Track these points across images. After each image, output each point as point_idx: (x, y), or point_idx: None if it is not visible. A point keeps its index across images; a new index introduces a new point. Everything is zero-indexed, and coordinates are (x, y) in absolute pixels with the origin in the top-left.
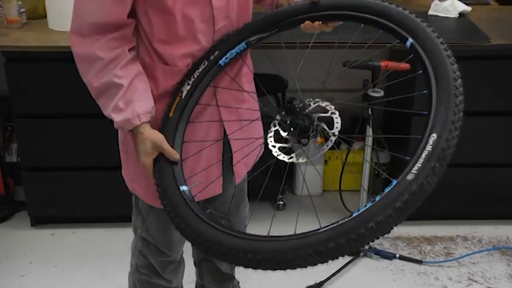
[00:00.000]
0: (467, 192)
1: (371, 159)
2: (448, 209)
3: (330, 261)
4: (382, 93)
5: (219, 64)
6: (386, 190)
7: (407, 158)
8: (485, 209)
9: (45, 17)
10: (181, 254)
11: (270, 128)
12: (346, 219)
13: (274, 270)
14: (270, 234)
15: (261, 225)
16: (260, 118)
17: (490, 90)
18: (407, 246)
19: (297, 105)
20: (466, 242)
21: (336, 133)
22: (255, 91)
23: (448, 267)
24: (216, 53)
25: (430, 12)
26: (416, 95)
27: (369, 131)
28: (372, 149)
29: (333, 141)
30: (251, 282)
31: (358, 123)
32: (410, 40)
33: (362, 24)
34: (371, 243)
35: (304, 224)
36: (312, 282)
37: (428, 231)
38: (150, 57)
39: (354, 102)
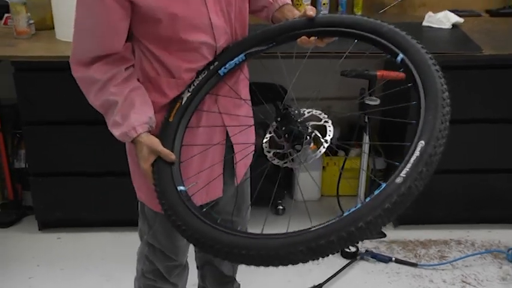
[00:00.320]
0: (460, 197)
1: (367, 165)
2: (442, 214)
3: (320, 258)
4: (378, 102)
5: (218, 74)
6: (376, 192)
7: (397, 163)
8: (477, 214)
9: (53, 28)
10: (187, 258)
11: (265, 134)
12: (337, 219)
13: (267, 266)
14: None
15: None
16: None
17: (481, 98)
18: (402, 249)
19: (292, 113)
20: (460, 246)
21: (329, 140)
22: (249, 97)
23: (442, 270)
24: (216, 63)
25: (424, 23)
26: (411, 104)
27: (366, 138)
28: (368, 155)
29: (326, 147)
30: (252, 285)
31: (355, 130)
32: (400, 55)
33: (355, 40)
34: (368, 248)
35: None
36: (310, 285)
37: (423, 235)
38: (156, 71)
39: (351, 110)
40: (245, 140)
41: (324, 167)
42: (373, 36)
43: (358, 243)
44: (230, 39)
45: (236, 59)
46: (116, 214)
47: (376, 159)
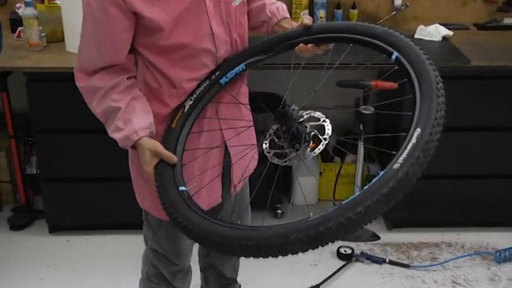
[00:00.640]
0: (450, 202)
1: (362, 171)
2: (433, 218)
3: (320, 246)
4: (373, 110)
5: (220, 83)
6: (374, 179)
7: (394, 152)
8: (467, 218)
9: (63, 40)
10: (189, 263)
11: (265, 135)
12: (336, 207)
13: (266, 257)
14: None
15: None
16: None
17: (471, 107)
18: (396, 251)
19: (291, 112)
20: (450, 248)
21: (327, 138)
22: (249, 104)
23: (434, 271)
24: (217, 73)
25: (416, 36)
26: (404, 112)
27: (360, 145)
28: (363, 161)
29: (324, 145)
30: (251, 285)
31: (350, 138)
32: (395, 54)
33: (351, 44)
34: (363, 250)
35: None
36: (308, 285)
37: (415, 237)
38: (158, 83)
39: (347, 118)
40: (244, 148)
41: (321, 173)
42: (368, 39)
43: (357, 230)
44: (230, 50)
45: (236, 68)
46: (122, 218)
47: (370, 166)
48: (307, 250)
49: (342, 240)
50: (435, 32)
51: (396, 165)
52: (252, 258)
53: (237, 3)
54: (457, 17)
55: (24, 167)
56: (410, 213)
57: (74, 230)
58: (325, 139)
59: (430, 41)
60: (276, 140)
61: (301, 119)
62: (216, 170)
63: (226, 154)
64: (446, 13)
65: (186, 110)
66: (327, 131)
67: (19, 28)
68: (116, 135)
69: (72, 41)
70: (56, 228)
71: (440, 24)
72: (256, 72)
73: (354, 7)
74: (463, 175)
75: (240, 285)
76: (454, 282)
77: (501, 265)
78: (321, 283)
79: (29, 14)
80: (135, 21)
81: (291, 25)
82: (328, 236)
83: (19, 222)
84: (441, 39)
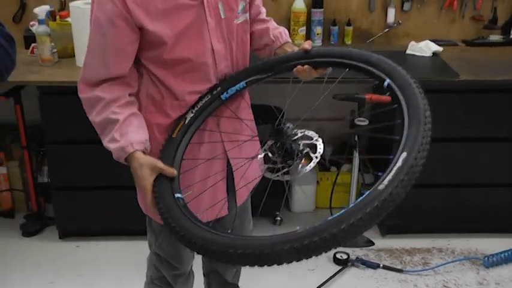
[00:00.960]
0: (441, 209)
1: (357, 180)
2: (425, 224)
3: (304, 259)
4: (367, 122)
5: (220, 98)
6: (360, 199)
7: (379, 173)
8: (457, 224)
9: (74, 56)
10: (191, 267)
11: (260, 150)
12: (322, 222)
13: (253, 265)
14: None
15: None
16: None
17: (459, 119)
18: (389, 257)
19: (285, 130)
20: (441, 253)
21: (318, 156)
22: (252, 118)
23: (426, 275)
24: (219, 89)
25: (408, 51)
26: (397, 123)
27: (356, 155)
28: (358, 170)
29: (315, 162)
30: None
31: (346, 148)
32: (387, 81)
33: (347, 69)
34: (358, 255)
35: None
36: None
37: (408, 243)
38: (161, 95)
39: (341, 129)
40: (247, 161)
41: (318, 182)
42: (363, 65)
43: (340, 245)
44: (231, 66)
45: (237, 85)
46: (129, 224)
47: (365, 175)
48: (292, 261)
49: (326, 252)
50: (426, 48)
51: (381, 186)
52: (238, 265)
53: (240, 22)
54: (446, 34)
55: (36, 176)
56: (403, 221)
57: (83, 236)
58: (316, 157)
59: (421, 56)
60: (270, 155)
61: (295, 137)
62: (221, 188)
63: (229, 166)
64: (436, 30)
65: (187, 121)
66: (318, 149)
67: (32, 44)
68: (111, 146)
69: (82, 56)
70: (65, 234)
71: (430, 40)
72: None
73: (349, 24)
74: (452, 184)
75: None
76: (445, 286)
77: (489, 270)
78: (319, 287)
79: (41, 31)
80: (140, 34)
81: (293, 49)
82: (312, 249)
83: (31, 229)
84: (431, 54)
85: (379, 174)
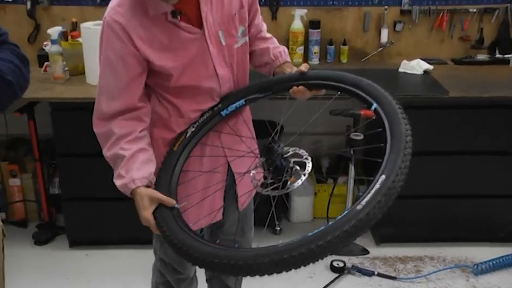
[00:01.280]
0: (433, 219)
1: (353, 191)
2: (418, 234)
3: (284, 271)
4: (362, 137)
5: (221, 114)
6: (339, 217)
7: (360, 193)
8: (448, 234)
9: (84, 73)
10: (195, 273)
11: (252, 166)
12: (301, 237)
13: (237, 275)
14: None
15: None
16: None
17: (449, 134)
18: (384, 264)
19: (276, 148)
20: (433, 261)
21: (306, 174)
22: (250, 133)
23: (418, 282)
24: (219, 105)
25: (400, 69)
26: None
27: (351, 168)
28: (354, 182)
29: (303, 180)
30: None
31: (342, 161)
32: (374, 105)
33: (339, 92)
34: (354, 263)
35: None
36: None
37: (401, 252)
38: (168, 113)
39: (338, 144)
40: (246, 168)
41: (315, 193)
42: (354, 89)
43: (318, 260)
44: (232, 86)
45: (237, 103)
46: (135, 233)
47: (360, 187)
48: (273, 273)
49: (304, 266)
50: (417, 66)
51: (359, 207)
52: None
53: (239, 45)
54: (436, 53)
55: (48, 187)
56: (396, 230)
57: (92, 245)
58: (304, 175)
59: (413, 74)
60: (263, 170)
61: (286, 155)
62: (219, 195)
63: (230, 175)
64: (427, 49)
65: (187, 135)
66: (307, 167)
67: (46, 63)
68: (117, 182)
69: (92, 74)
70: (75, 243)
71: (421, 59)
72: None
73: (344, 44)
74: (443, 195)
75: None
76: None
77: (478, 277)
78: None
79: (54, 50)
80: (147, 66)
81: (292, 69)
82: (291, 263)
83: (43, 238)
84: (422, 72)
85: (359, 194)
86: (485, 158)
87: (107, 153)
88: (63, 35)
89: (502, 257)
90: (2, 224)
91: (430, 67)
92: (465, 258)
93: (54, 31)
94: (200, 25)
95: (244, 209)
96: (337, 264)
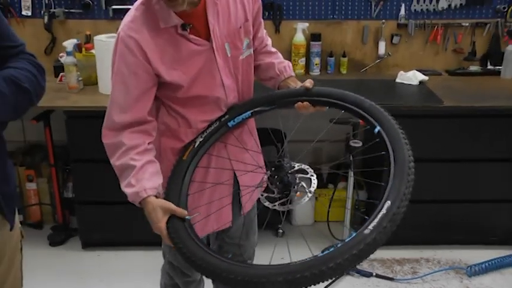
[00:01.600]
0: (429, 223)
1: (352, 196)
2: (414, 237)
3: None
4: (360, 144)
5: (227, 125)
6: (347, 239)
7: (366, 217)
8: (443, 237)
9: (97, 83)
10: (201, 275)
11: (261, 181)
12: (312, 258)
13: None
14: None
15: (265, 249)
16: (263, 162)
17: (444, 142)
18: (381, 266)
19: (284, 165)
20: (428, 263)
21: (312, 191)
22: (257, 142)
23: (415, 283)
24: (226, 116)
25: (397, 80)
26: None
27: (351, 174)
28: (353, 188)
29: (309, 196)
30: None
31: (342, 167)
32: (377, 128)
33: (342, 111)
34: None
35: (298, 247)
36: None
37: (398, 254)
38: (177, 124)
39: (338, 151)
40: (251, 180)
41: (316, 198)
42: (357, 109)
43: (327, 280)
44: (237, 96)
45: (243, 115)
46: (145, 235)
47: (359, 192)
48: None
49: (315, 285)
50: (413, 77)
51: (367, 231)
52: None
53: (244, 57)
54: (431, 64)
55: (62, 191)
56: (393, 233)
57: (104, 246)
58: (310, 192)
59: (409, 84)
60: (270, 185)
61: (292, 170)
62: (226, 202)
63: (235, 183)
64: (422, 61)
65: (196, 145)
66: (312, 184)
67: (61, 74)
68: (127, 190)
69: (104, 84)
70: (88, 244)
71: (417, 70)
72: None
73: (344, 55)
74: (438, 200)
75: None
76: None
77: (472, 278)
78: None
79: (69, 61)
80: (158, 81)
81: (296, 83)
82: (303, 283)
83: (57, 239)
84: (418, 83)
85: (366, 218)
86: (478, 165)
87: (116, 162)
88: (78, 47)
89: (494, 259)
90: (20, 225)
91: (426, 78)
92: (459, 261)
93: (69, 43)
94: (208, 37)
95: (248, 214)
96: None
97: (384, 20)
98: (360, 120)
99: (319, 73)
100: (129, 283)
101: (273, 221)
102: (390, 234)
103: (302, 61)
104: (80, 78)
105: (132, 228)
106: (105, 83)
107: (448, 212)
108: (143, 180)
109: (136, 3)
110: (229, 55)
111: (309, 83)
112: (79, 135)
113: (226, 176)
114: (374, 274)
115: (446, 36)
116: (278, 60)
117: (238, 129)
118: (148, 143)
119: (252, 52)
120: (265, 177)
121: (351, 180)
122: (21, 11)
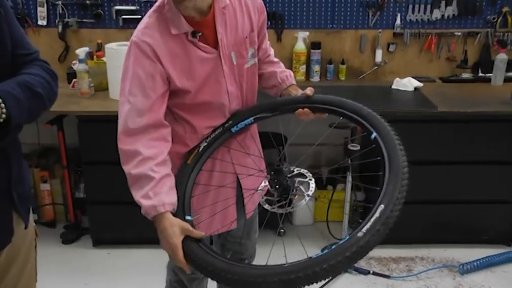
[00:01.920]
0: (423, 223)
1: (350, 197)
2: (409, 236)
3: None
4: (358, 147)
5: (231, 131)
6: (341, 242)
7: (360, 220)
8: (436, 236)
9: (107, 89)
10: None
11: (261, 184)
12: (307, 259)
13: None
14: (270, 256)
15: (266, 248)
16: (264, 166)
17: (438, 145)
18: (378, 264)
19: (283, 170)
20: (423, 261)
21: (310, 195)
22: (259, 146)
23: (410, 281)
24: (230, 122)
25: (393, 86)
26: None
27: (349, 175)
28: (351, 189)
29: (307, 200)
30: None
31: (341, 170)
32: (374, 134)
33: (341, 117)
34: None
35: (298, 247)
36: None
37: (394, 252)
38: (184, 130)
39: (337, 154)
40: (253, 184)
41: (316, 198)
42: (355, 116)
43: (321, 281)
44: (241, 103)
45: (246, 121)
46: (153, 234)
47: (357, 193)
48: None
49: (308, 285)
50: (408, 83)
51: (360, 234)
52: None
53: (249, 66)
54: (425, 71)
55: (74, 192)
56: (389, 232)
57: (114, 244)
58: (308, 195)
59: (404, 90)
60: (270, 188)
61: (291, 174)
62: (231, 205)
63: (238, 186)
64: (417, 68)
65: (200, 150)
66: (311, 188)
67: (73, 80)
68: (144, 202)
69: (115, 90)
70: (98, 242)
71: (412, 77)
72: None
73: (343, 63)
74: (432, 201)
75: None
76: None
77: (464, 276)
78: None
79: (81, 68)
80: (169, 85)
81: (297, 91)
82: (297, 283)
83: (69, 237)
84: (413, 89)
85: (360, 221)
86: (471, 167)
87: (133, 170)
88: (90, 55)
89: (486, 257)
90: (34, 224)
91: (420, 84)
92: (452, 259)
93: (82, 51)
94: (216, 46)
95: (250, 215)
96: None
97: (380, 30)
98: (358, 126)
99: (319, 80)
100: (138, 279)
101: (274, 221)
102: (383, 237)
103: (303, 68)
104: (92, 85)
105: (141, 227)
106: (116, 89)
107: (442, 213)
108: (161, 194)
109: (149, 11)
110: (234, 63)
111: (309, 90)
112: (90, 138)
113: (229, 179)
114: (371, 272)
115: (439, 45)
116: (280, 69)
117: (241, 135)
118: (168, 153)
119: (257, 61)
120: (266, 181)
121: (349, 185)
122: (37, 21)
